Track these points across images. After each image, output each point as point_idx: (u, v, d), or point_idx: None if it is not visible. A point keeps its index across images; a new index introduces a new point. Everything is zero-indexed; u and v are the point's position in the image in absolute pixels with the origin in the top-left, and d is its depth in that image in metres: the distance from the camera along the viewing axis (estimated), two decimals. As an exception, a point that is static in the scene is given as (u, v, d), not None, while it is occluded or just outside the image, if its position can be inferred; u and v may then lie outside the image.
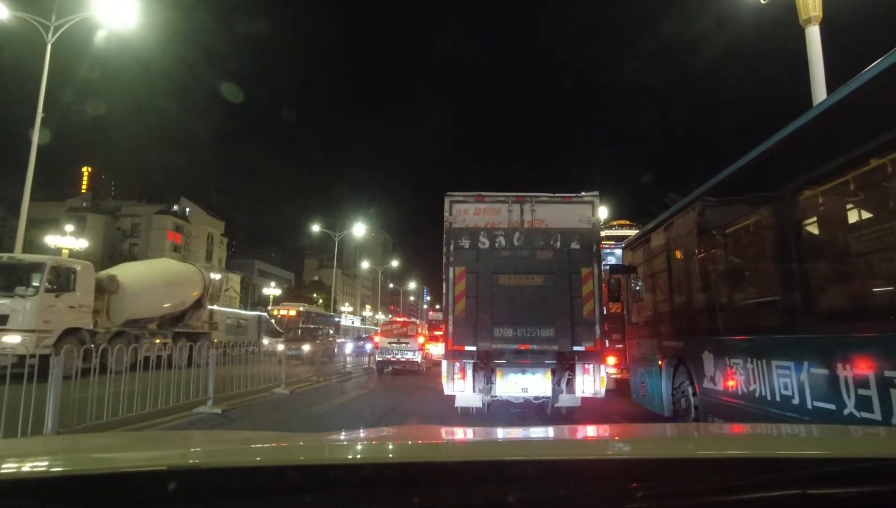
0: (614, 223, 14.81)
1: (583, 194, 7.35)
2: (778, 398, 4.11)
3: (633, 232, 10.61)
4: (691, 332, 5.98)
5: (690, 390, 5.95)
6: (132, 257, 60.33)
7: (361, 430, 2.48)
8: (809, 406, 3.70)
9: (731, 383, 4.93)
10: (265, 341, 22.53)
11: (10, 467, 0.99)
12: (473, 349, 6.92)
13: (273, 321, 29.98)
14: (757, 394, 4.43)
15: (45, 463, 1.08)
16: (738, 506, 0.87)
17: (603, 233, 9.84)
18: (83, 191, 71.12)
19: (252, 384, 10.23)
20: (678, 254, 6.59)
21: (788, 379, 3.99)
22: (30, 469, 1.00)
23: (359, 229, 45.65)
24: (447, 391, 7.04)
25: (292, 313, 31.49)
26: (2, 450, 1.28)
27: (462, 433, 1.90)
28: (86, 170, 79.70)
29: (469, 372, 6.93)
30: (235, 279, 70.25)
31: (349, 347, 25.77)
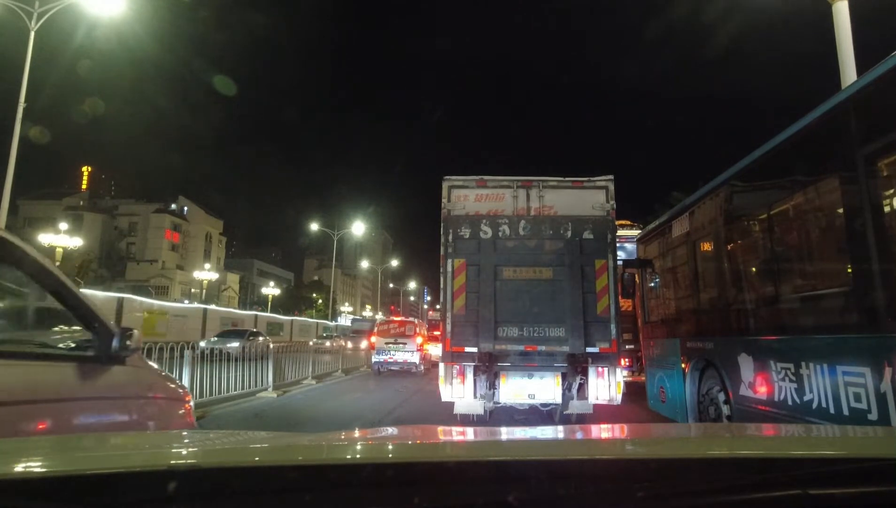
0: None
1: (596, 178, 6.62)
2: (845, 412, 3.39)
3: (634, 232, 9.97)
4: (724, 331, 5.26)
5: (722, 396, 5.23)
6: (130, 257, 60.08)
7: (361, 430, 2.45)
8: (893, 421, 2.99)
9: (777, 390, 4.20)
10: None
11: (9, 467, 0.98)
12: (474, 350, 6.20)
13: None
14: (814, 405, 3.71)
15: (45, 463, 1.08)
16: (738, 506, 0.86)
17: None
18: (83, 189, 70.28)
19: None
20: (706, 245, 5.86)
21: (859, 389, 3.27)
22: (29, 469, 1.00)
23: (358, 228, 44.90)
24: (445, 396, 6.32)
25: None
26: (1, 450, 1.22)
27: (462, 434, 1.87)
28: (86, 169, 79.00)
29: (469, 376, 6.22)
30: (234, 279, 69.76)
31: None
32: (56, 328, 2.60)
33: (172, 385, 3.02)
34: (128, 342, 2.37)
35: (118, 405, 2.42)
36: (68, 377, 2.18)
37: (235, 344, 16.97)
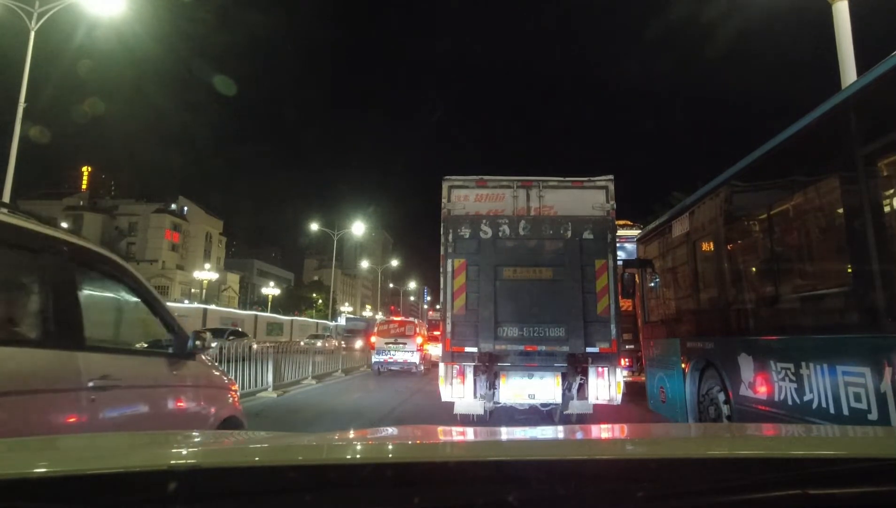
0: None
1: (596, 178, 6.63)
2: (845, 412, 3.39)
3: (634, 232, 9.97)
4: (724, 331, 5.26)
5: (722, 397, 5.22)
6: (130, 257, 60.00)
7: (361, 430, 2.47)
8: (893, 421, 2.99)
9: (777, 390, 4.20)
10: None
11: (9, 467, 0.98)
12: (474, 350, 6.21)
13: None
14: (814, 405, 3.71)
15: (45, 463, 1.08)
16: (738, 506, 0.86)
17: None
18: (83, 190, 70.19)
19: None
20: (706, 245, 5.86)
21: (859, 389, 3.28)
22: (30, 469, 1.00)
23: (358, 228, 44.87)
24: (445, 396, 6.33)
25: None
26: (1, 450, 1.24)
27: (462, 434, 1.88)
28: (86, 169, 78.86)
29: (469, 376, 6.22)
30: (234, 279, 69.74)
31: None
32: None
33: (223, 376, 3.70)
34: (197, 342, 2.99)
35: (191, 392, 3.08)
36: (160, 368, 2.83)
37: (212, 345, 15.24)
